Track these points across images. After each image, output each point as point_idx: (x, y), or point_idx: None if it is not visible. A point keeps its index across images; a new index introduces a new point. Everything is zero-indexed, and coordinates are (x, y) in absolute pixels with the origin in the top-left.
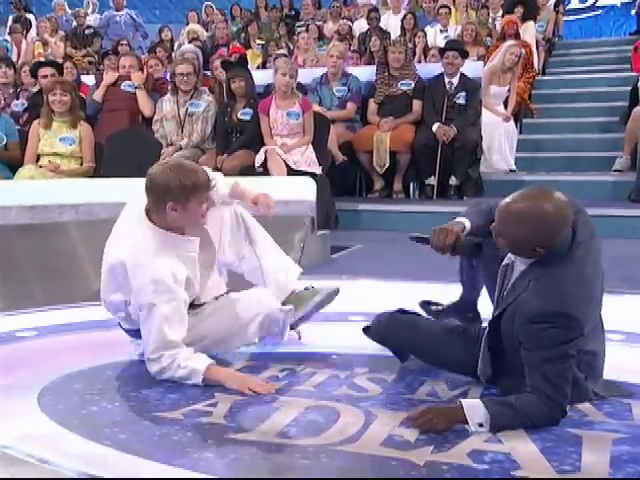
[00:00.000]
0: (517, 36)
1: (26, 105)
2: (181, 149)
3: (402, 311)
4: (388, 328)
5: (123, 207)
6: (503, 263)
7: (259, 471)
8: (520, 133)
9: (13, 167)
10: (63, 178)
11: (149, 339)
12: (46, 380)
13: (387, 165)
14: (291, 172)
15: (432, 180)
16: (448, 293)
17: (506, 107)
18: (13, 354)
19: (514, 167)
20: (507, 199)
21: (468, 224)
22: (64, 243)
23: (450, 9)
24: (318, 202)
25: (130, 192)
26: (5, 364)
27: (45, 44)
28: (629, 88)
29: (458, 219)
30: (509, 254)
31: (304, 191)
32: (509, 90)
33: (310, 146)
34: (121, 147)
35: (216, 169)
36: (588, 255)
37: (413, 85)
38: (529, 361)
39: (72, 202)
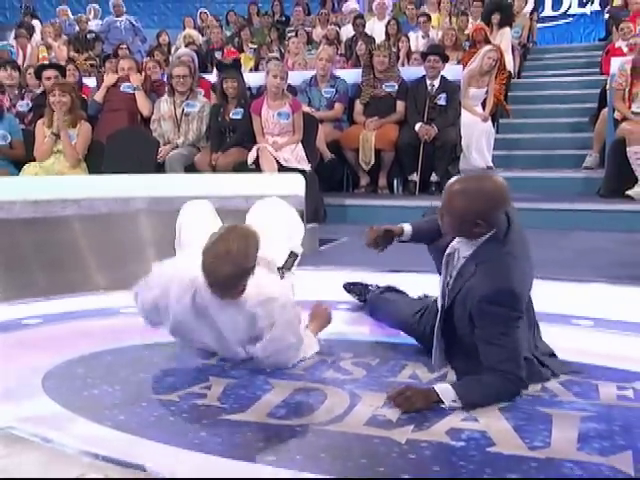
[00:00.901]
0: (487, 42)
1: (30, 106)
2: (177, 147)
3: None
4: (372, 304)
5: (122, 202)
6: (447, 252)
7: (251, 450)
8: (497, 132)
9: (18, 164)
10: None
11: None
12: (50, 365)
13: (372, 162)
14: (282, 169)
15: (415, 176)
16: (430, 283)
17: (484, 108)
18: (19, 340)
19: (491, 164)
20: (452, 180)
21: (408, 227)
22: (66, 236)
23: (430, 17)
24: (307, 197)
25: (129, 188)
26: (11, 350)
27: (49, 48)
28: (598, 90)
29: (401, 224)
30: (452, 243)
31: (294, 187)
32: (487, 92)
33: (300, 144)
34: (121, 145)
35: (211, 166)
36: (521, 238)
37: (397, 87)
38: (484, 339)
39: (74, 197)
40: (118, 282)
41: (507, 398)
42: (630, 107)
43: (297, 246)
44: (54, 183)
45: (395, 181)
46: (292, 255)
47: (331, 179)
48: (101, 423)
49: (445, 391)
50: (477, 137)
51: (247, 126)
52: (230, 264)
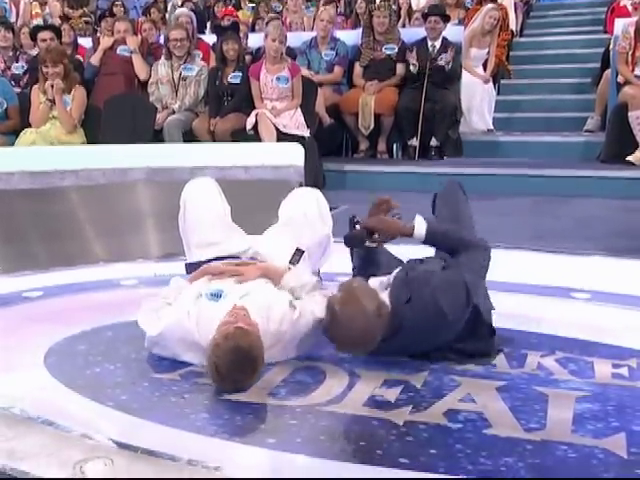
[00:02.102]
0: None
1: (26, 68)
2: (174, 113)
3: None
4: None
5: (120, 172)
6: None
7: (251, 432)
8: (498, 94)
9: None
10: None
11: None
12: (52, 341)
13: (372, 127)
14: (280, 135)
15: (414, 141)
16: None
17: (485, 69)
18: (20, 315)
19: (492, 127)
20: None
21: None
22: (65, 207)
23: None
24: (306, 164)
25: (127, 158)
26: (13, 325)
27: (42, 4)
28: (602, 50)
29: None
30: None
31: (293, 157)
32: (488, 53)
33: (299, 109)
34: (118, 111)
35: (209, 132)
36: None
37: (397, 49)
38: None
39: (72, 168)
40: (117, 253)
41: (471, 244)
42: (633, 70)
43: (302, 244)
44: (52, 153)
45: (394, 146)
46: (298, 252)
47: (330, 144)
48: (103, 403)
49: (420, 229)
50: (478, 99)
51: (245, 91)
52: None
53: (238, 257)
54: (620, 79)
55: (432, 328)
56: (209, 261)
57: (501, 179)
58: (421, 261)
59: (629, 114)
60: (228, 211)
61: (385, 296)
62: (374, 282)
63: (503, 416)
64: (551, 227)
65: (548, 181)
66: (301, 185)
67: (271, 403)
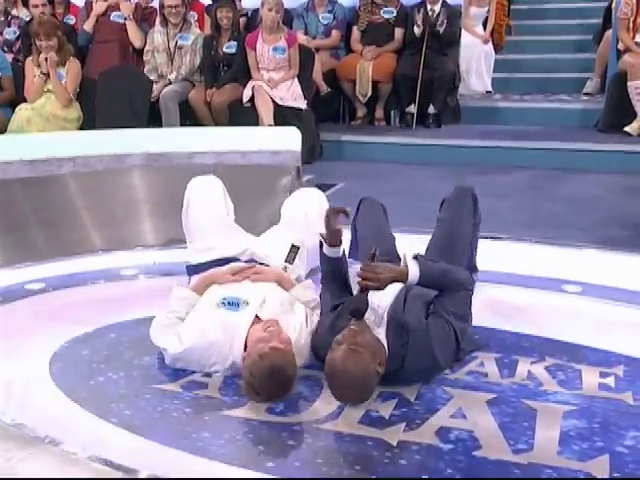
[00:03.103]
0: None
1: (18, 33)
2: (170, 84)
3: None
4: None
5: (118, 158)
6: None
7: (251, 455)
8: (497, 53)
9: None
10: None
11: None
12: (55, 345)
13: (369, 94)
14: (277, 107)
15: (412, 108)
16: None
17: (485, 28)
18: (24, 312)
19: (490, 88)
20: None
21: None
22: (63, 195)
23: None
24: (303, 135)
25: (125, 144)
26: (18, 324)
27: None
28: (604, 4)
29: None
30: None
31: (290, 142)
32: (488, 11)
33: (296, 80)
34: (113, 83)
35: (206, 103)
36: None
37: (395, 13)
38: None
39: (70, 155)
40: (116, 241)
41: (461, 279)
42: (634, 37)
43: (298, 240)
44: (49, 141)
45: (392, 113)
46: (293, 249)
47: (327, 110)
48: (108, 420)
49: (414, 276)
50: (477, 59)
51: (241, 61)
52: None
53: (237, 259)
54: (620, 46)
55: (425, 372)
56: (209, 264)
57: (499, 151)
58: (405, 297)
59: (628, 84)
60: (231, 209)
61: (382, 335)
62: (369, 317)
63: (492, 435)
64: (547, 211)
65: (547, 154)
66: (298, 170)
67: (270, 420)
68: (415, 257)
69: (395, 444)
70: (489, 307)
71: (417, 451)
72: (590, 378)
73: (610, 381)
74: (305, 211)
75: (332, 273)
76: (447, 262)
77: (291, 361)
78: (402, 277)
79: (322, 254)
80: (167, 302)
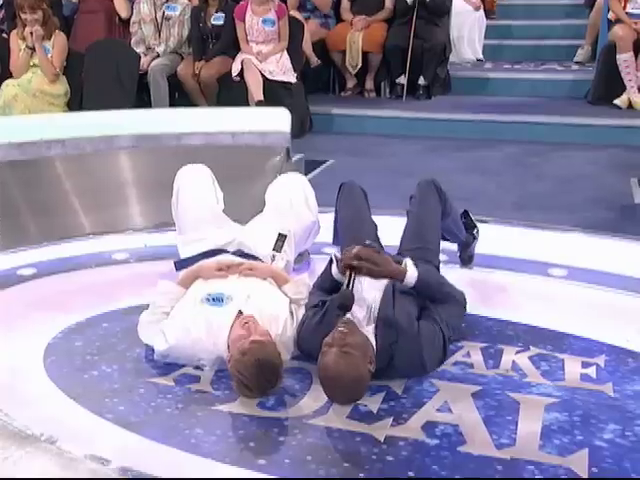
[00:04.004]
0: None
1: (1, 2)
2: (158, 57)
3: None
4: None
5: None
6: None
7: (243, 452)
8: (487, 19)
9: None
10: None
11: None
12: (49, 335)
13: (359, 66)
14: (267, 82)
15: (402, 79)
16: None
17: None
18: (17, 300)
19: (481, 56)
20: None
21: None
22: (53, 178)
23: None
24: (293, 109)
25: (115, 125)
26: (11, 313)
27: None
28: None
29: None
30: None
31: (279, 122)
32: None
33: (285, 53)
34: (100, 57)
35: (194, 76)
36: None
37: None
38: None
39: (59, 137)
40: (106, 224)
41: (454, 294)
42: (625, 7)
43: (285, 228)
44: (37, 123)
45: (382, 84)
46: (281, 237)
47: (317, 81)
48: (103, 416)
49: (411, 277)
50: (468, 27)
51: (230, 33)
52: (270, 383)
53: (224, 250)
54: (611, 16)
55: (411, 372)
56: (196, 257)
57: (489, 125)
58: (393, 293)
59: (617, 56)
60: (221, 197)
61: (370, 334)
62: (359, 313)
63: (477, 430)
64: (534, 191)
65: (535, 128)
66: (288, 151)
67: (261, 415)
68: (415, 264)
69: (382, 440)
70: (475, 292)
71: (404, 447)
72: (572, 368)
73: (592, 371)
74: (289, 198)
75: (329, 290)
76: (421, 252)
77: (274, 351)
78: (400, 276)
79: (329, 271)
80: (156, 288)
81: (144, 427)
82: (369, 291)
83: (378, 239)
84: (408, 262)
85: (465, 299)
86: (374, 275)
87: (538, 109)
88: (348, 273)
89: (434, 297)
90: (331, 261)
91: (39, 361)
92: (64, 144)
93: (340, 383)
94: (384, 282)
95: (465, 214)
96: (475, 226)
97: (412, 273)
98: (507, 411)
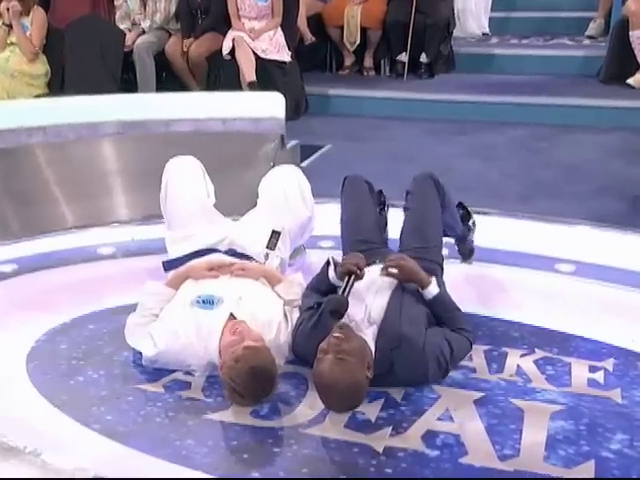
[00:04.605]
0: None
1: None
2: (144, 33)
3: None
4: None
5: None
6: None
7: (235, 464)
8: None
9: None
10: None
11: None
12: (32, 338)
13: (358, 42)
14: (260, 61)
15: (403, 57)
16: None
17: None
18: None
19: (487, 30)
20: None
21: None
22: (34, 167)
23: None
24: (287, 90)
25: (99, 111)
26: None
27: None
28: None
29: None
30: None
31: (273, 108)
32: None
33: (279, 29)
34: (83, 35)
35: (183, 54)
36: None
37: None
38: None
39: (40, 124)
40: (91, 216)
41: (463, 324)
42: None
43: (279, 225)
44: (17, 109)
45: (382, 62)
46: (274, 234)
47: (313, 58)
48: (89, 426)
49: (433, 290)
50: (474, 0)
51: (220, 7)
52: (264, 390)
53: (215, 249)
54: None
55: (412, 381)
56: (186, 257)
57: (494, 107)
58: (401, 302)
59: (630, 33)
60: (212, 191)
61: (370, 337)
62: (356, 313)
63: (479, 439)
64: (540, 179)
65: (543, 110)
66: (283, 138)
67: (254, 424)
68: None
69: (381, 451)
70: (478, 289)
71: (403, 458)
72: (579, 372)
73: (599, 376)
74: (284, 191)
75: (326, 292)
76: (423, 251)
77: (268, 357)
78: (426, 282)
79: (325, 274)
80: (145, 284)
81: (133, 437)
82: (369, 293)
83: (383, 235)
84: (432, 279)
85: (473, 339)
86: (406, 271)
87: (546, 89)
88: (346, 279)
89: (445, 319)
90: (328, 263)
91: (21, 366)
92: (45, 131)
93: (336, 391)
94: (392, 285)
95: (460, 205)
96: (471, 217)
97: (434, 288)
98: (511, 419)
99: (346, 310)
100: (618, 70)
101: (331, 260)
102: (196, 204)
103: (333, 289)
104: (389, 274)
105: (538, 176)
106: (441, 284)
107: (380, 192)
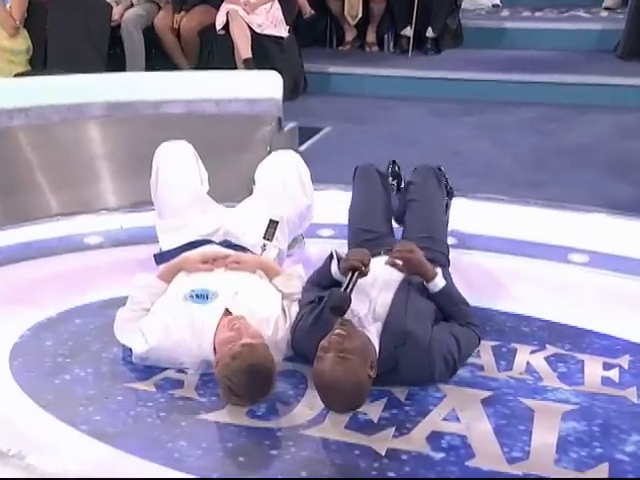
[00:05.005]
0: None
1: None
2: (132, 6)
3: None
4: None
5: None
6: None
7: (231, 468)
8: None
9: None
10: None
11: None
12: (16, 332)
13: (360, 16)
14: (256, 36)
15: (408, 31)
16: None
17: None
18: None
19: (498, 1)
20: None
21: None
22: (16, 151)
23: None
24: (285, 68)
25: (84, 91)
26: None
27: None
28: None
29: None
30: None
31: (270, 88)
32: None
33: (276, 2)
34: (66, 8)
35: (173, 29)
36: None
37: None
38: None
39: (22, 105)
40: (77, 203)
41: (470, 318)
42: None
43: (276, 214)
44: None
45: (386, 37)
46: (272, 224)
47: (312, 33)
48: (77, 427)
49: (439, 282)
50: None
51: None
52: (262, 390)
53: (210, 241)
54: None
55: (417, 381)
56: (178, 249)
57: (504, 86)
58: (407, 297)
59: None
60: (205, 178)
61: (373, 334)
62: (360, 308)
63: (487, 441)
64: (553, 164)
65: (556, 88)
66: (280, 120)
67: (251, 425)
68: (445, 276)
69: (384, 453)
70: (486, 281)
71: (407, 461)
72: (593, 370)
73: (614, 374)
74: (282, 179)
75: (328, 287)
76: (428, 239)
77: (267, 354)
78: (431, 275)
79: (328, 268)
80: (135, 277)
81: (123, 439)
82: (374, 287)
83: (390, 226)
84: (439, 271)
85: (480, 334)
86: (412, 263)
87: (559, 66)
88: (350, 275)
89: (452, 314)
90: (331, 256)
91: (4, 363)
92: (27, 113)
93: (338, 391)
94: (398, 280)
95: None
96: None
97: (440, 280)
98: (520, 420)
99: (348, 307)
100: (637, 45)
101: (334, 254)
102: (189, 192)
103: (336, 284)
104: (394, 264)
105: (550, 160)
106: (447, 276)
107: (394, 162)
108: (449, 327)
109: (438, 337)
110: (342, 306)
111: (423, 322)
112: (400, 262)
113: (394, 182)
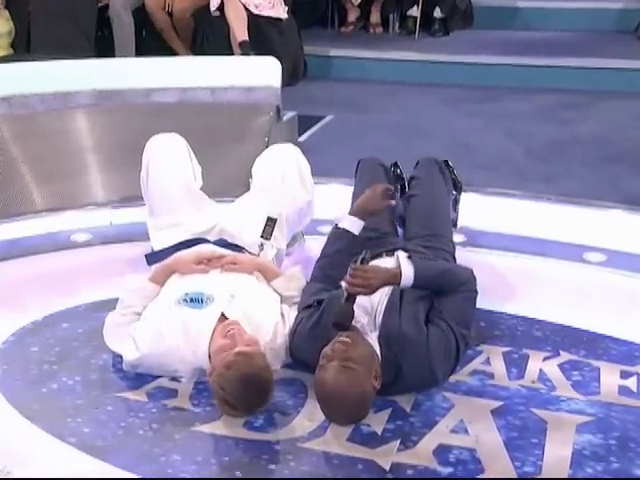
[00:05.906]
0: None
1: None
2: None
3: None
4: None
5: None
6: None
7: None
8: None
9: None
10: None
11: None
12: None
13: None
14: (252, 17)
15: (414, 11)
16: None
17: None
18: None
19: None
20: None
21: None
22: None
23: None
24: (284, 52)
25: (71, 78)
26: None
27: None
28: None
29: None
30: None
31: (268, 76)
32: None
33: None
34: None
35: (165, 11)
36: None
37: None
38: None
39: (4, 94)
40: (63, 198)
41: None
42: None
43: (275, 211)
44: None
45: (391, 17)
46: (270, 222)
47: (313, 13)
48: (65, 440)
49: (408, 276)
50: None
51: None
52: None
53: (204, 240)
54: None
55: (421, 385)
56: (171, 249)
57: (517, 70)
58: (400, 297)
59: None
60: (199, 173)
61: (375, 342)
62: (362, 318)
63: (497, 455)
64: (569, 157)
65: (574, 73)
66: (278, 109)
67: (248, 437)
68: (409, 256)
69: (388, 468)
70: (497, 282)
71: (412, 476)
72: (609, 379)
73: (632, 383)
74: (281, 173)
75: (339, 253)
76: (432, 237)
77: (263, 363)
78: (395, 280)
79: (338, 228)
80: (125, 279)
81: (113, 452)
82: (376, 293)
83: (394, 223)
84: (402, 258)
85: (474, 280)
86: (369, 294)
87: (576, 49)
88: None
89: (440, 289)
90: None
91: None
92: (10, 102)
93: (341, 403)
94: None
95: (446, 163)
96: (458, 188)
97: (408, 272)
98: (532, 432)
99: (351, 321)
100: None
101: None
102: (181, 189)
103: (349, 253)
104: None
105: (566, 152)
106: (413, 257)
107: (395, 164)
108: (442, 314)
109: (435, 337)
110: (345, 322)
111: (417, 322)
112: (360, 290)
113: (397, 185)
